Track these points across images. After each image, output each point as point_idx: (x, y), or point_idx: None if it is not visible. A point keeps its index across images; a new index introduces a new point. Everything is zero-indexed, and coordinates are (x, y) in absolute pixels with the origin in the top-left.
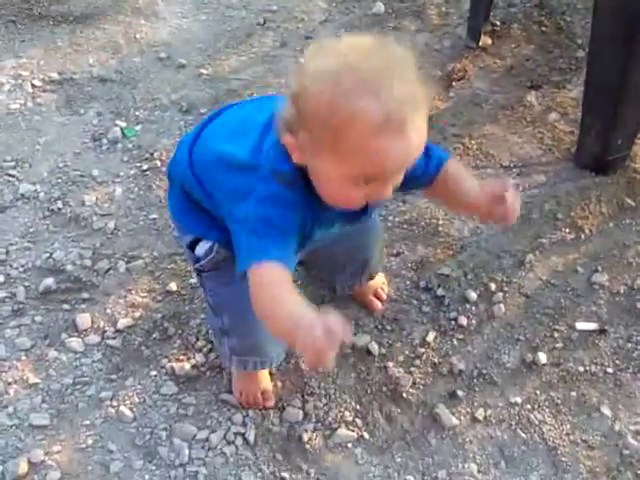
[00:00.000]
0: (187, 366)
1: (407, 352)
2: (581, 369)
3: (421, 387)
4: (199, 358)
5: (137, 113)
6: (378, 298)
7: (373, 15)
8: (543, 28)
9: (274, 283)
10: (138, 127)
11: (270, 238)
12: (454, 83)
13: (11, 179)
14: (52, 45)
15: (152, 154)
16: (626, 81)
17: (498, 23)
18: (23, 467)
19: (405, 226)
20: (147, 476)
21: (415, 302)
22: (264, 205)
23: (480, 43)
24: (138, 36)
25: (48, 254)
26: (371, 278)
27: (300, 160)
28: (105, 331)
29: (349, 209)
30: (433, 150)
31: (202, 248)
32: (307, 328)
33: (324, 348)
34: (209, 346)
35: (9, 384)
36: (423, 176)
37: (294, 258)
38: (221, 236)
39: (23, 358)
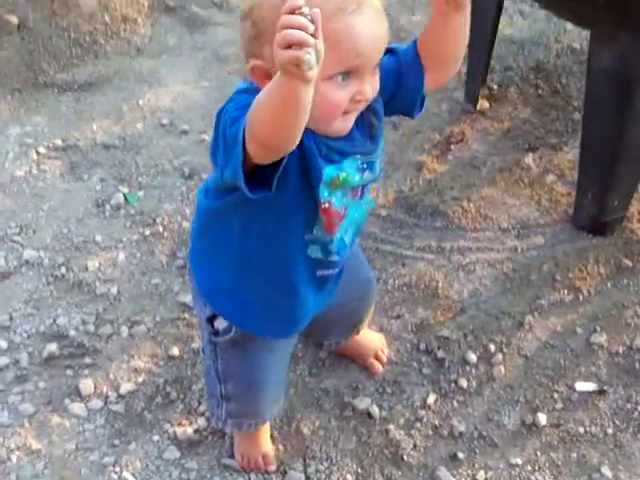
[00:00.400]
0: (189, 430)
1: (408, 415)
2: (581, 430)
3: (422, 449)
4: (201, 422)
5: (140, 179)
6: (378, 360)
7: None
8: (539, 91)
9: None
10: (141, 193)
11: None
12: (452, 146)
13: (15, 245)
14: (57, 112)
15: (154, 219)
16: (620, 143)
17: (495, 86)
18: None
19: (405, 289)
20: None
21: (415, 364)
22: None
23: (478, 107)
24: (141, 102)
25: (52, 320)
26: (357, 333)
27: (258, 75)
28: (108, 396)
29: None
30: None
31: (222, 323)
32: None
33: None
34: None
35: (11, 451)
36: (406, 65)
37: None
38: None
39: (26, 424)
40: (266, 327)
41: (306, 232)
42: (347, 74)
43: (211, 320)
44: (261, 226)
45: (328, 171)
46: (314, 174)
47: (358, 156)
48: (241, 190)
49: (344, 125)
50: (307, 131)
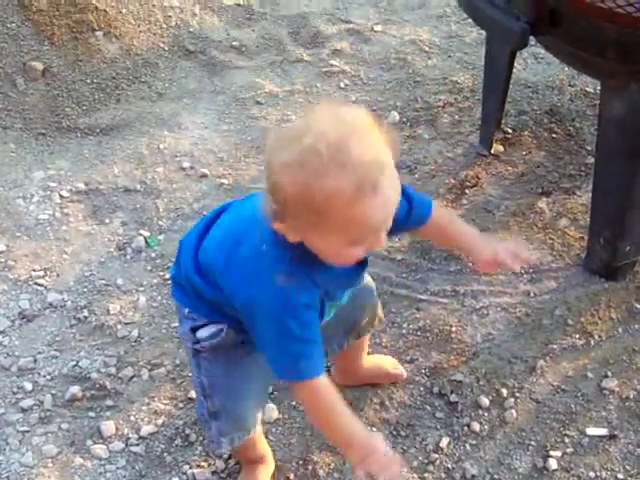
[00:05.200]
0: (207, 473)
1: (421, 458)
2: (592, 474)
3: None
4: (219, 464)
5: (160, 222)
6: (396, 377)
7: (388, 124)
8: (553, 135)
9: (329, 393)
10: (161, 236)
11: (310, 352)
12: (467, 190)
13: (39, 288)
14: (79, 156)
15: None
16: (632, 190)
17: (510, 130)
18: None
19: (419, 333)
20: None
21: (429, 408)
22: (287, 320)
23: (492, 150)
24: (162, 146)
25: (74, 362)
26: (359, 337)
27: (295, 238)
28: (129, 438)
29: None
30: (412, 194)
31: (207, 331)
32: (361, 448)
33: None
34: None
35: None
36: (410, 219)
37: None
38: (232, 321)
39: (50, 465)
40: None
41: None
42: (362, 239)
43: (194, 331)
44: None
45: (328, 309)
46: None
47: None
48: None
49: (368, 251)
50: (313, 279)
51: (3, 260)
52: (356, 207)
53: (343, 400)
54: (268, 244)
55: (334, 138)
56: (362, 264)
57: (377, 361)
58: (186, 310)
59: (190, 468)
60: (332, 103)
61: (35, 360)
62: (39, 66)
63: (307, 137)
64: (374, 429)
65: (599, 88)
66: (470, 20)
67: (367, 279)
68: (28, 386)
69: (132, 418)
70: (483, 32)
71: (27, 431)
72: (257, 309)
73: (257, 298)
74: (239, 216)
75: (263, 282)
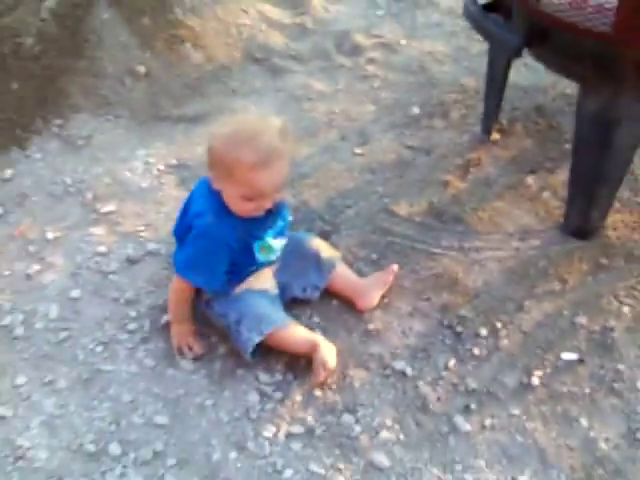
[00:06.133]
0: (269, 380)
1: (433, 374)
2: (564, 389)
3: (443, 401)
4: (279, 376)
5: None
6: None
7: (410, 116)
8: (539, 127)
9: (183, 293)
10: None
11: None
12: (471, 169)
13: (141, 239)
14: (171, 139)
15: None
16: (600, 171)
17: (505, 122)
18: (149, 454)
19: (433, 278)
20: (239, 464)
21: (440, 337)
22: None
23: (491, 138)
24: None
25: (166, 297)
26: (333, 268)
27: (217, 186)
28: (208, 355)
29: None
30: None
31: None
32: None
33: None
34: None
35: (139, 393)
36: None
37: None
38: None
39: (148, 374)
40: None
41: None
42: (254, 197)
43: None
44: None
45: (258, 249)
46: (248, 252)
47: (270, 231)
48: None
49: (257, 213)
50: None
51: (114, 217)
52: (251, 173)
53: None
54: (206, 200)
55: (258, 129)
56: (270, 216)
57: (370, 277)
58: None
59: (256, 379)
60: (267, 115)
61: (138, 294)
62: (142, 69)
63: (240, 123)
64: (397, 352)
65: (576, 91)
66: (475, 36)
67: (306, 237)
68: (133, 314)
69: (212, 340)
70: (486, 45)
71: (132, 348)
72: (193, 233)
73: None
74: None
75: (202, 220)
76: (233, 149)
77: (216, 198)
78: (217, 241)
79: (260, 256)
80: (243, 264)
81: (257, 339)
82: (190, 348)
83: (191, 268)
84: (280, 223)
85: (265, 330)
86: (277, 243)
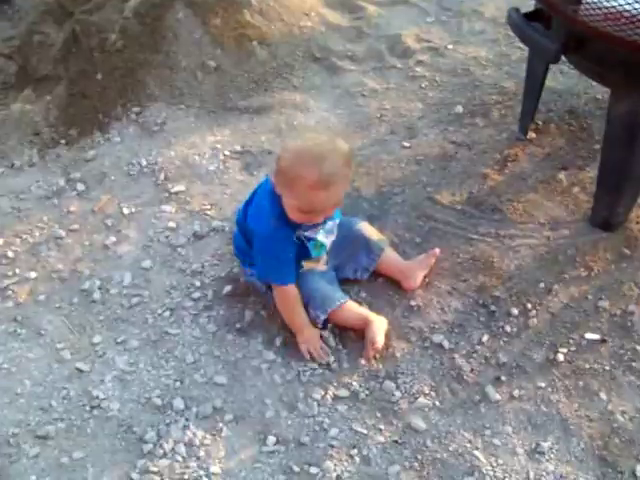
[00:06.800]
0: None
1: (468, 348)
2: (587, 366)
3: (476, 373)
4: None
5: None
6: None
7: (455, 114)
8: (571, 128)
9: (292, 296)
10: None
11: (279, 267)
12: (508, 164)
13: (207, 217)
14: (237, 128)
15: None
16: (627, 170)
17: (540, 123)
18: (209, 410)
19: (470, 261)
20: (289, 422)
21: (475, 314)
22: (271, 244)
23: (527, 136)
24: (295, 123)
25: (229, 269)
26: (381, 253)
27: (278, 191)
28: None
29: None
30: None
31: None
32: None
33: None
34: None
35: (201, 355)
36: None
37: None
38: None
39: (210, 339)
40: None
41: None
42: (309, 212)
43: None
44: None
45: (312, 245)
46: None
47: (321, 231)
48: None
49: (310, 222)
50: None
51: (183, 197)
52: (310, 192)
53: (300, 304)
54: (268, 201)
55: (324, 151)
56: (321, 223)
57: (414, 259)
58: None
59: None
60: (337, 138)
61: (203, 266)
62: (213, 64)
63: (309, 142)
64: (436, 327)
65: (606, 96)
66: (516, 43)
67: (356, 221)
68: (197, 283)
69: (270, 312)
70: (525, 52)
71: (196, 314)
72: (257, 237)
73: (258, 231)
74: (266, 179)
75: (263, 222)
76: (298, 165)
77: (277, 201)
78: (281, 241)
79: (314, 252)
80: (300, 259)
81: (323, 317)
82: (325, 354)
83: (270, 272)
84: (330, 223)
85: (329, 308)
86: (327, 240)
